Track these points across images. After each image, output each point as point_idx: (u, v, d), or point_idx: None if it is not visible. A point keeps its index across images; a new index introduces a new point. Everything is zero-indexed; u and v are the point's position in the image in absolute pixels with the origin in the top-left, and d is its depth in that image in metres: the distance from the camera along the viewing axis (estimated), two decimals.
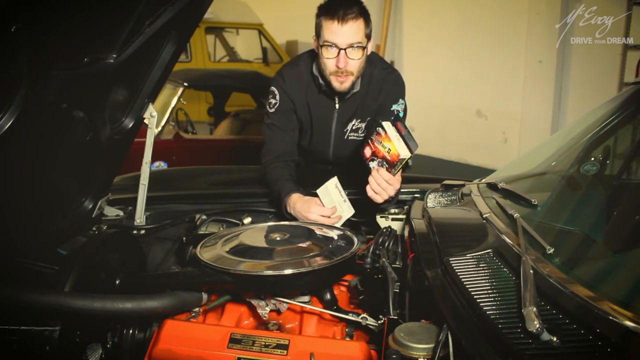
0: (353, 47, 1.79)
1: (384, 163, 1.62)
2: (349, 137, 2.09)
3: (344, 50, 1.79)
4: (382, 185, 1.64)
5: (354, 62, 1.82)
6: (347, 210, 1.85)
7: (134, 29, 1.42)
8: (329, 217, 1.80)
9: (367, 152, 1.68)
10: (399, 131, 1.58)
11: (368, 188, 1.67)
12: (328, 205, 1.82)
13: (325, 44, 1.80)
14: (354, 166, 2.06)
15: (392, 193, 1.67)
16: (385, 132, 1.59)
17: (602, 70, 5.32)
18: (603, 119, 1.80)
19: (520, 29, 5.90)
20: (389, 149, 1.58)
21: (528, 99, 5.99)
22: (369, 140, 1.66)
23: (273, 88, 2.04)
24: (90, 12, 1.24)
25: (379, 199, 1.68)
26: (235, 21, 8.37)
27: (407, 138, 1.56)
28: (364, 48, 1.81)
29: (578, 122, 2.01)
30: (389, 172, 1.62)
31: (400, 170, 1.64)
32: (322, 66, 1.87)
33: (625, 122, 1.81)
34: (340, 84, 1.88)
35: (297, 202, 1.84)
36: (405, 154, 1.56)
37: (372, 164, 1.66)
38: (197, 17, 1.66)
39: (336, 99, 2.00)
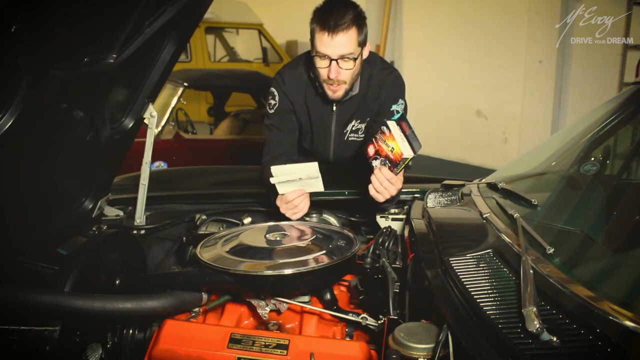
0: (344, 58, 1.79)
1: (387, 162, 1.62)
2: (349, 138, 2.09)
3: (335, 61, 1.79)
4: (384, 184, 1.64)
5: (346, 72, 1.82)
6: (306, 170, 1.71)
7: (134, 29, 1.42)
8: (294, 200, 1.74)
9: (371, 150, 1.68)
10: (403, 131, 1.58)
11: (370, 187, 1.67)
12: (290, 190, 1.74)
13: (317, 54, 1.80)
14: (355, 166, 2.06)
15: (393, 192, 1.67)
16: (390, 131, 1.59)
17: (602, 70, 5.32)
18: (603, 119, 1.80)
19: (520, 29, 5.90)
20: (393, 148, 1.59)
21: (528, 99, 5.98)
22: (373, 139, 1.67)
23: (273, 89, 2.04)
24: (90, 12, 1.24)
25: (380, 198, 1.68)
26: (235, 21, 8.37)
27: (411, 138, 1.56)
28: (355, 59, 1.81)
29: (578, 122, 2.01)
30: (392, 171, 1.62)
31: (403, 170, 1.64)
32: (316, 73, 1.88)
33: (625, 122, 1.81)
34: (333, 92, 1.89)
35: (278, 202, 1.82)
36: (408, 153, 1.56)
37: (375, 163, 1.66)
38: (197, 17, 1.66)
39: (333, 102, 2.00)
